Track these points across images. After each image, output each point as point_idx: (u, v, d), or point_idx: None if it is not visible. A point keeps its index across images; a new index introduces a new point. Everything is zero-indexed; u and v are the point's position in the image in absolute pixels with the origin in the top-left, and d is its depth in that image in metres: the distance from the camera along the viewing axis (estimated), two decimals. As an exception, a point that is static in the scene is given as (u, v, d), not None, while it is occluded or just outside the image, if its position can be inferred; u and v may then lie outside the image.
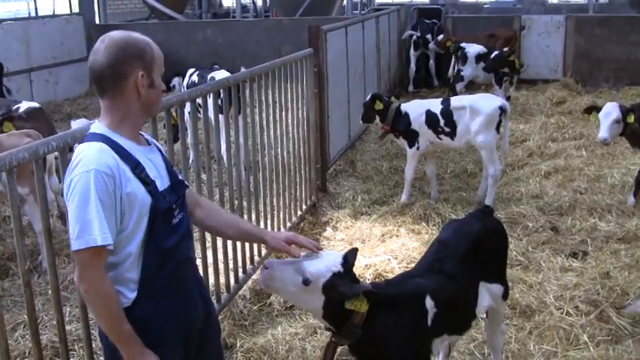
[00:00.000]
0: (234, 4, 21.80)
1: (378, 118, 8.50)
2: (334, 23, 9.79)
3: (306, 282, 3.32)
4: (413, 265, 6.34)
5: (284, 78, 7.21)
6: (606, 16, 17.70)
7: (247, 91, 6.39)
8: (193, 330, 3.23)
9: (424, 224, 7.74)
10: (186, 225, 3.25)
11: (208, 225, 3.55)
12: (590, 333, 5.30)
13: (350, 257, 3.54)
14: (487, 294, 4.17)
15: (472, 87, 13.77)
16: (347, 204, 8.51)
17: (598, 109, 7.85)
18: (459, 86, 13.36)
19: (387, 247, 7.04)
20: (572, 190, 8.61)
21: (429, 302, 3.71)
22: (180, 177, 3.31)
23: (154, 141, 3.33)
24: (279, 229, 7.09)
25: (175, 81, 11.95)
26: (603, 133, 7.66)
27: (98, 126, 3.03)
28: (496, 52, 13.19)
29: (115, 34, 3.00)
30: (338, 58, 9.58)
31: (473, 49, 13.38)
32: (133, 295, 3.01)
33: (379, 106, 8.39)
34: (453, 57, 13.87)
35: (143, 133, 3.22)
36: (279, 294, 3.93)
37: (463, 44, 13.63)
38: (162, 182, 3.10)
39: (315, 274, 3.34)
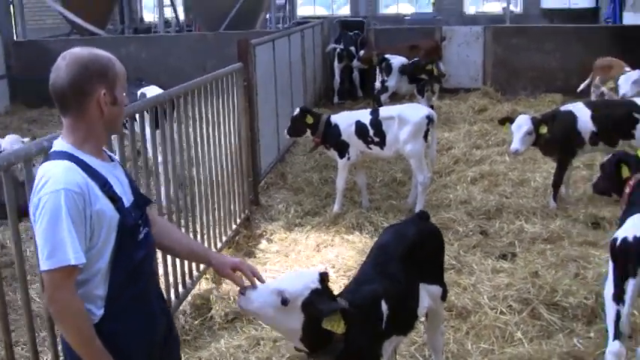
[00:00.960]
0: (156, 19, 21.66)
1: (309, 131, 8.60)
2: (262, 37, 9.86)
3: (284, 302, 3.30)
4: (350, 273, 6.55)
5: (215, 93, 7.25)
6: (522, 26, 18.40)
7: (181, 107, 6.40)
8: (156, 344, 3.23)
9: (357, 233, 7.88)
10: (151, 240, 3.25)
11: (161, 243, 3.49)
12: (523, 330, 5.51)
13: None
14: (427, 295, 4.31)
15: (395, 98, 14.04)
16: (280, 216, 8.58)
17: (511, 121, 8.18)
18: (384, 97, 13.63)
19: (323, 257, 7.15)
20: (498, 194, 8.91)
21: (384, 306, 3.82)
22: (141, 192, 3.31)
23: (116, 157, 3.34)
24: (215, 243, 7.10)
25: None
26: (515, 145, 8.03)
27: (61, 143, 3.01)
28: (413, 60, 13.54)
29: (77, 52, 2.97)
30: (266, 72, 9.67)
31: (397, 60, 13.67)
32: (100, 312, 3.00)
33: (310, 119, 8.49)
34: (377, 69, 14.12)
35: (105, 150, 3.21)
36: (257, 317, 3.81)
37: (387, 56, 13.91)
38: (127, 198, 3.10)
39: (294, 293, 3.33)
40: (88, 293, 2.96)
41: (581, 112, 8.42)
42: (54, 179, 2.84)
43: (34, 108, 16.00)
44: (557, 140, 8.34)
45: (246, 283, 3.38)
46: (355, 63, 15.74)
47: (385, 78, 13.64)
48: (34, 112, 15.92)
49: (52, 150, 3.02)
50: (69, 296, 2.84)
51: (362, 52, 15.47)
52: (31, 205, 2.92)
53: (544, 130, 8.00)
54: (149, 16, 28.48)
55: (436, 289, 4.43)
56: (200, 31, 19.75)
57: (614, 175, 5.37)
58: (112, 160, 3.20)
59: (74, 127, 3.00)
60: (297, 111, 8.69)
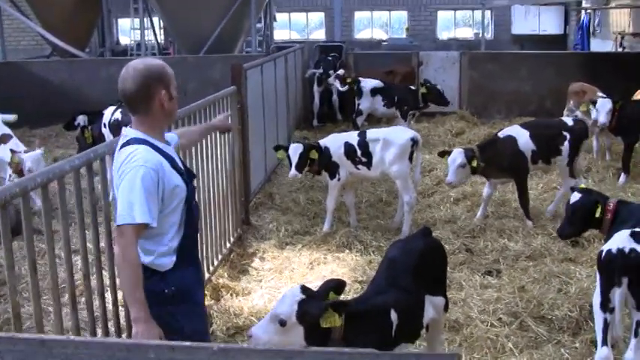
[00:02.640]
0: (132, 42, 21.83)
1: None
2: (253, 61, 10.15)
3: (282, 323, 3.70)
4: (345, 289, 6.80)
5: (211, 115, 7.47)
6: (497, 52, 18.90)
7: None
8: (203, 285, 4.48)
9: (348, 251, 8.15)
10: (197, 205, 4.25)
11: (184, 144, 4.73)
12: (513, 341, 5.82)
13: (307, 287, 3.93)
14: (431, 306, 4.60)
15: (375, 121, 14.43)
16: (271, 235, 8.81)
17: (449, 154, 8.63)
18: (360, 120, 14.03)
19: (317, 274, 7.40)
20: (483, 215, 9.22)
21: (393, 315, 4.11)
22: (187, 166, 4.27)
23: (170, 139, 4.14)
24: (211, 262, 7.31)
25: (80, 119, 11.31)
26: (450, 177, 8.58)
27: (134, 132, 3.82)
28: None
29: (137, 64, 3.79)
30: (255, 95, 9.94)
31: (368, 83, 14.07)
32: (173, 259, 3.87)
33: (314, 155, 8.56)
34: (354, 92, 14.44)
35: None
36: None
37: (360, 79, 14.30)
38: (184, 171, 3.99)
39: (286, 312, 3.72)
40: (166, 243, 3.85)
41: (520, 134, 9.01)
42: (136, 157, 3.66)
43: (15, 129, 16.02)
44: (506, 165, 8.89)
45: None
46: (331, 79, 15.86)
47: (359, 102, 14.04)
48: (15, 132, 15.92)
49: (129, 137, 3.79)
50: (131, 247, 3.57)
51: (341, 71, 15.72)
52: (115, 176, 3.76)
53: (474, 163, 8.46)
54: (124, 39, 28.66)
55: (440, 301, 4.73)
56: (178, 54, 19.97)
57: (592, 216, 5.72)
58: (169, 143, 3.93)
59: (143, 121, 3.83)
60: (300, 147, 8.57)
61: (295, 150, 8.51)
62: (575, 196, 5.94)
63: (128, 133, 3.85)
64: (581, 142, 9.24)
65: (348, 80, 14.84)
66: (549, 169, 9.67)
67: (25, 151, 9.35)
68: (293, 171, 8.50)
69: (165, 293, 3.82)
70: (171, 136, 4.24)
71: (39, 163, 9.15)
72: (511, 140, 8.99)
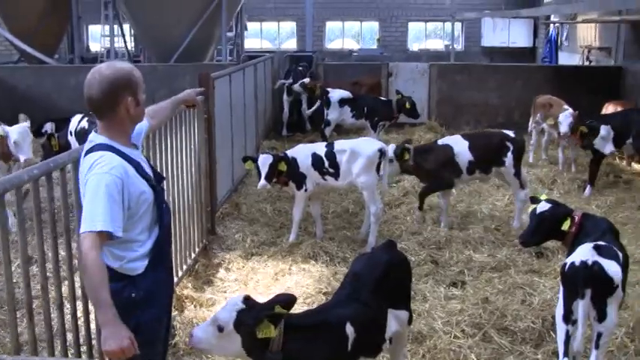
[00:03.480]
0: (102, 49, 21.67)
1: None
2: (221, 71, 10.12)
3: (220, 329, 3.78)
4: (310, 300, 6.84)
5: (177, 125, 7.43)
6: (466, 64, 19.03)
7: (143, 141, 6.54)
8: (173, 291, 4.51)
9: (313, 262, 8.13)
10: (169, 209, 4.21)
11: (154, 125, 4.80)
12: (476, 353, 5.84)
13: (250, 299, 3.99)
14: (395, 320, 4.60)
15: (345, 131, 14.46)
16: (237, 245, 8.77)
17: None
18: (327, 131, 14.07)
19: (282, 285, 7.37)
20: (447, 225, 9.27)
21: (349, 329, 4.10)
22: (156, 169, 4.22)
23: (139, 129, 4.12)
24: (176, 272, 7.24)
25: (48, 127, 11.29)
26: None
27: (100, 137, 3.79)
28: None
29: (104, 69, 3.73)
30: (223, 105, 9.91)
31: (336, 94, 14.13)
32: (144, 264, 3.85)
33: (283, 166, 8.54)
34: (321, 103, 14.48)
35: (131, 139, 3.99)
36: (210, 352, 4.50)
37: (329, 89, 14.34)
38: (152, 175, 3.97)
39: (224, 318, 3.81)
40: (136, 249, 3.83)
41: (459, 144, 9.25)
42: (102, 164, 3.63)
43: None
44: (434, 171, 9.20)
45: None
46: (296, 86, 15.86)
47: (327, 112, 14.07)
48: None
49: (94, 143, 3.77)
50: (92, 252, 3.50)
51: (307, 80, 15.74)
52: (81, 183, 3.77)
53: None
54: (95, 45, 28.45)
55: (404, 314, 4.74)
56: (148, 62, 19.86)
57: (558, 227, 5.75)
58: (137, 147, 3.93)
59: (109, 126, 3.80)
60: (271, 158, 8.52)
61: (264, 161, 8.47)
62: (544, 207, 5.90)
63: (94, 138, 3.82)
64: (523, 154, 9.51)
65: (316, 90, 14.92)
66: (487, 178, 9.93)
67: None
68: (262, 181, 8.47)
69: (133, 297, 3.80)
70: (139, 125, 4.14)
71: (25, 136, 9.02)
72: (447, 149, 9.27)
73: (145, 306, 3.83)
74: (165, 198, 6.90)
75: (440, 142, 9.68)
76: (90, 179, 3.63)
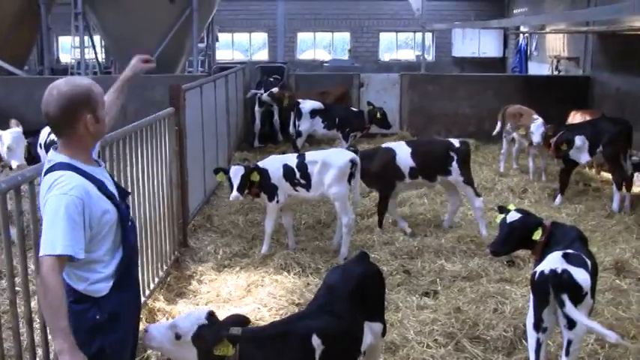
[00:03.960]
0: (72, 61, 21.49)
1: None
2: (192, 82, 10.10)
3: (177, 337, 3.83)
4: (283, 312, 6.81)
5: (148, 137, 7.39)
6: (436, 74, 19.21)
7: (114, 152, 6.47)
8: (139, 311, 4.28)
9: (286, 273, 8.11)
10: (135, 226, 4.11)
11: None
12: (449, 362, 5.86)
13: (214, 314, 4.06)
14: (370, 332, 4.61)
15: (316, 142, 14.49)
16: (209, 257, 8.73)
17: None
18: (299, 142, 14.11)
19: (255, 297, 7.34)
20: (419, 235, 9.32)
21: (315, 340, 4.10)
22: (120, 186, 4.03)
23: (100, 160, 3.90)
24: (147, 285, 7.20)
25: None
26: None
27: (59, 156, 3.65)
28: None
29: (61, 86, 3.58)
30: (194, 116, 9.88)
31: (307, 104, 14.17)
32: (109, 285, 3.72)
33: (255, 177, 8.52)
34: (292, 113, 14.51)
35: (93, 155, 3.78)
36: (160, 351, 4.50)
37: (300, 100, 14.36)
38: (116, 194, 3.81)
39: (184, 328, 3.86)
40: (100, 270, 3.69)
41: (402, 150, 9.50)
42: (61, 185, 3.50)
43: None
44: (376, 174, 9.42)
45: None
46: (265, 96, 15.95)
47: (298, 123, 14.10)
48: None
49: (54, 162, 3.63)
50: (51, 276, 3.36)
51: (275, 89, 15.80)
52: (41, 204, 3.59)
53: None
54: (65, 57, 28.22)
55: (378, 327, 4.77)
56: (119, 74, 19.69)
57: (529, 237, 5.80)
58: (100, 164, 3.80)
59: (68, 144, 3.67)
60: (242, 170, 8.48)
61: (236, 172, 8.45)
62: (514, 216, 5.91)
63: (53, 157, 3.69)
64: (469, 162, 9.70)
65: (284, 100, 15.01)
66: (433, 185, 10.18)
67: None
68: (235, 193, 8.43)
69: (97, 320, 3.70)
70: None
71: (19, 141, 8.91)
72: (389, 153, 9.51)
73: (110, 329, 3.73)
74: (135, 212, 6.94)
75: (384, 145, 9.88)
76: (49, 200, 3.49)
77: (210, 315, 3.97)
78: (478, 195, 9.56)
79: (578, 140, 10.79)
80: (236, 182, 8.41)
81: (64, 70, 22.47)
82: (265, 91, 16.32)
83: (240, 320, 4.10)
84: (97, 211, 3.60)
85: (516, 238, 5.88)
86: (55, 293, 3.37)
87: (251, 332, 4.12)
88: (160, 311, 6.96)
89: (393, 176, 9.46)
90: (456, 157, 9.40)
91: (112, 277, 3.74)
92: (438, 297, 7.36)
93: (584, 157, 10.88)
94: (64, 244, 3.40)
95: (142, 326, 6.46)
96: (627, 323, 6.50)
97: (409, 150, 9.50)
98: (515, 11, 25.16)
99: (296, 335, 4.15)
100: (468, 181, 9.49)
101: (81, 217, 3.48)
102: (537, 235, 5.67)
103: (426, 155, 9.50)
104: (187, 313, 4.04)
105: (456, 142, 9.62)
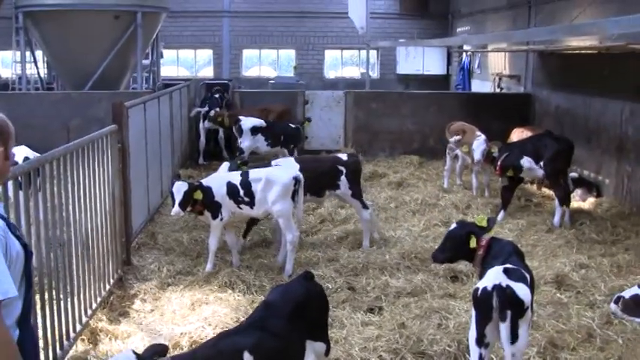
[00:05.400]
0: (13, 76, 21.11)
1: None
2: (135, 99, 10.01)
3: None
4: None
5: (90, 154, 7.28)
6: (381, 92, 19.36)
7: (54, 171, 6.34)
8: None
9: (230, 291, 8.07)
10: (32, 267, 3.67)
11: None
12: (393, 378, 5.89)
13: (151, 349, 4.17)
14: (312, 351, 4.60)
15: (261, 158, 14.47)
16: (153, 276, 8.64)
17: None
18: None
19: (199, 315, 7.29)
20: (364, 252, 9.36)
21: (247, 357, 4.10)
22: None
23: None
24: (89, 304, 7.09)
25: None
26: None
27: None
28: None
29: None
30: (137, 134, 9.79)
31: (248, 122, 14.21)
32: (16, 333, 3.33)
33: (199, 195, 8.48)
34: (235, 130, 14.53)
35: None
36: None
37: (241, 117, 14.38)
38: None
39: None
40: (13, 314, 3.31)
41: (289, 165, 9.42)
42: None
43: None
44: None
45: None
46: (206, 124, 16.01)
47: (240, 140, 14.13)
48: None
49: None
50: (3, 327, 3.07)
51: (212, 112, 15.80)
52: None
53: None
54: (6, 72, 27.68)
55: (320, 346, 4.76)
56: (62, 90, 19.41)
57: (463, 245, 5.95)
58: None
59: None
60: (185, 185, 8.43)
61: (179, 188, 8.38)
62: (452, 226, 6.30)
63: None
64: (358, 176, 9.86)
65: (219, 119, 15.06)
66: (321, 201, 10.36)
67: None
68: (176, 208, 8.36)
69: None
70: None
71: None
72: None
73: None
74: (77, 231, 6.80)
75: (273, 162, 9.83)
76: None
77: (135, 352, 4.07)
78: (366, 207, 9.73)
79: (526, 162, 11.04)
80: (178, 198, 8.34)
81: (4, 85, 22.08)
82: (210, 109, 16.27)
83: (163, 349, 4.16)
84: (13, 250, 3.31)
85: (452, 246, 6.16)
86: (6, 344, 3.07)
87: (183, 356, 4.26)
88: (103, 331, 6.86)
89: None
90: (344, 172, 9.55)
91: (18, 322, 3.37)
92: (382, 313, 7.40)
93: (539, 172, 11.11)
94: (9, 284, 3.10)
95: None
96: (567, 335, 6.64)
97: (297, 166, 9.34)
98: (458, 30, 25.55)
99: (225, 353, 4.15)
100: (356, 194, 9.65)
101: (4, 256, 3.17)
102: (473, 243, 5.88)
103: (313, 171, 9.42)
104: (115, 356, 4.25)
105: (343, 157, 9.84)
